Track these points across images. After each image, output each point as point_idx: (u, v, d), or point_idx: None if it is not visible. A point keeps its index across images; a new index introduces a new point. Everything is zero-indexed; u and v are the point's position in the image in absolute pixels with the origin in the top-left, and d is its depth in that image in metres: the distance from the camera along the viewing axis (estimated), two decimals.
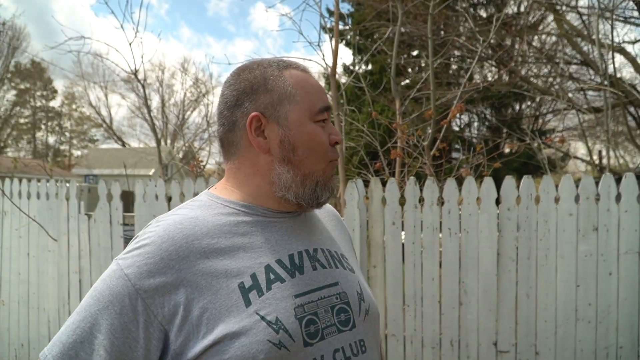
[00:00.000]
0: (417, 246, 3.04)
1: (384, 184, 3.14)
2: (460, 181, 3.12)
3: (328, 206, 1.17)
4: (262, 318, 0.83)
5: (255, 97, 0.94)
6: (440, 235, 3.03)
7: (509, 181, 2.94)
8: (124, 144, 38.14)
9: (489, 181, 2.95)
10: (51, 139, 42.93)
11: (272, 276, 0.88)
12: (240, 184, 0.98)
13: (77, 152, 42.05)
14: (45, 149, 41.63)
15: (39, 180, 4.07)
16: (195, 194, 3.43)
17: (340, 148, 4.42)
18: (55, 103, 42.00)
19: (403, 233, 3.09)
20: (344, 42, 20.16)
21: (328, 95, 0.96)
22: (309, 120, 0.94)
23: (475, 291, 2.99)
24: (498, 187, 2.96)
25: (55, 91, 41.56)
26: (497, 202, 2.98)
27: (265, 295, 0.85)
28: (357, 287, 0.97)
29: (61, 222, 3.89)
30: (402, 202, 3.09)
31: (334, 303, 0.91)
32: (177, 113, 33.46)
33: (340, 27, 17.97)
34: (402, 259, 3.09)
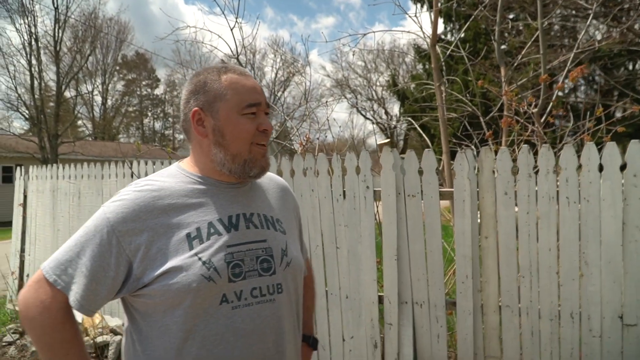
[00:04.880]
0: (531, 216, 2.95)
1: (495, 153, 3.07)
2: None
3: (278, 179, 1.48)
4: (199, 259, 1.14)
5: (197, 97, 1.26)
6: (557, 205, 2.91)
7: (635, 145, 2.75)
8: None
9: (611, 146, 2.78)
10: (157, 125, 45.99)
11: (212, 230, 1.18)
12: (196, 161, 1.30)
13: (180, 136, 44.68)
14: (152, 134, 44.71)
15: (162, 163, 4.43)
16: (304, 170, 3.56)
17: (443, 119, 4.35)
18: (158, 91, 44.84)
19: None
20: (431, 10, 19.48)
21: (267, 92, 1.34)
22: (236, 113, 1.23)
23: (597, 262, 2.86)
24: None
25: (158, 80, 44.35)
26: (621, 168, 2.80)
27: (205, 244, 1.16)
28: (283, 245, 1.28)
29: None
30: (513, 172, 3.00)
31: (260, 255, 1.22)
32: (269, 94, 34.36)
33: None
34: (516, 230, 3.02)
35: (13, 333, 4.88)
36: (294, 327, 1.31)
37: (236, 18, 5.71)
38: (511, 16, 12.78)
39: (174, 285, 1.11)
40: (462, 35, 15.58)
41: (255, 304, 1.18)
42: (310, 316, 1.61)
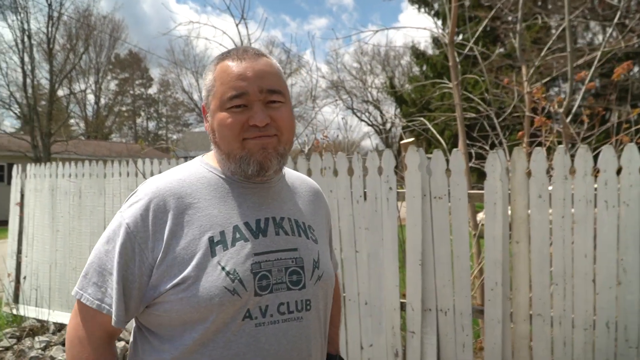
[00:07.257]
0: (567, 221, 2.80)
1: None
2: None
3: (310, 181, 1.31)
4: (223, 268, 0.98)
5: (203, 89, 1.12)
6: (595, 209, 2.77)
7: None
8: None
9: None
10: (150, 125, 45.66)
11: (237, 235, 1.02)
12: (216, 157, 1.13)
13: (173, 136, 44.39)
14: (145, 134, 44.32)
15: (169, 162, 4.26)
16: (322, 169, 3.40)
17: (461, 118, 4.21)
18: (152, 90, 44.51)
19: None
20: (432, 12, 19.37)
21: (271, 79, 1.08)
22: (219, 109, 1.05)
23: (636, 270, 2.72)
24: None
25: (152, 79, 44.00)
26: None
27: (229, 250, 1.00)
28: (315, 255, 1.11)
29: None
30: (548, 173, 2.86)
31: (289, 265, 1.05)
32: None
33: None
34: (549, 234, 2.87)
35: (10, 337, 4.67)
36: (321, 350, 1.15)
37: (242, 14, 5.54)
38: (509, 18, 12.71)
39: (193, 298, 0.97)
40: (461, 37, 15.51)
41: (282, 321, 1.03)
42: (337, 333, 1.44)
